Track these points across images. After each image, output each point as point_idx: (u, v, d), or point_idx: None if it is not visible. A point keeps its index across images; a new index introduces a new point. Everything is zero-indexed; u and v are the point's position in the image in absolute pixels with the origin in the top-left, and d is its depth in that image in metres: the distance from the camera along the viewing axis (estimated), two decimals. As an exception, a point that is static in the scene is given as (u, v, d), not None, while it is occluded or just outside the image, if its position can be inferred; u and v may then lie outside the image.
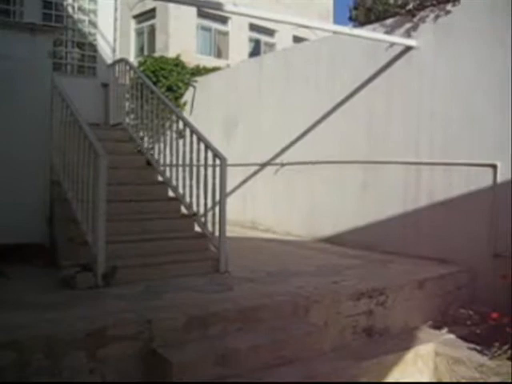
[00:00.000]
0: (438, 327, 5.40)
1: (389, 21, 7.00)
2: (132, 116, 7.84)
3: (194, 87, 11.05)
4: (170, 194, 6.43)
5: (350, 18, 13.86)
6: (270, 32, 16.76)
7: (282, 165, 8.59)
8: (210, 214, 5.69)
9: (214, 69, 11.71)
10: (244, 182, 9.14)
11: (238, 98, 9.76)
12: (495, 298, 5.16)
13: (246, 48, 16.17)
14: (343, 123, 7.57)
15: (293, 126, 8.39)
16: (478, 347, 4.93)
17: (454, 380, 4.86)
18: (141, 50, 15.29)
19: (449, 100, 6.26)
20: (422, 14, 6.51)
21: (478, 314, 5.39)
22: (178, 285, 4.90)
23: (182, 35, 14.26)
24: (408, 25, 6.69)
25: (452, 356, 4.95)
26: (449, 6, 6.22)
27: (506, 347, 4.62)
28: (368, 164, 7.18)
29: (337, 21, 22.09)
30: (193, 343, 3.92)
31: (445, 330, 5.33)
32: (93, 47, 9.11)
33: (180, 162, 6.18)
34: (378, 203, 7.04)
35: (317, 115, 7.92)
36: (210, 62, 13.35)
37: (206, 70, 11.69)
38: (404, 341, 5.07)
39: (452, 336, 5.24)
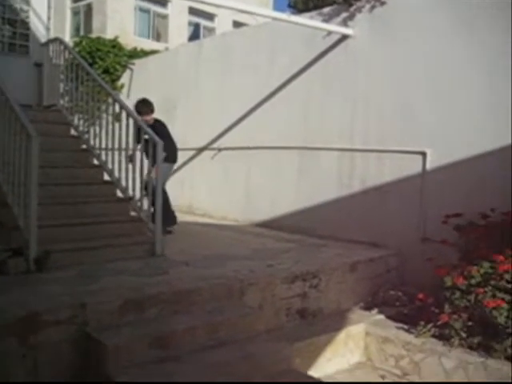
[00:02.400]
0: (368, 308, 5.60)
1: (326, 9, 7.12)
2: (67, 98, 7.65)
3: (132, 70, 10.88)
4: (106, 177, 6.35)
5: (289, 5, 13.93)
6: (209, 16, 16.64)
7: (220, 150, 8.62)
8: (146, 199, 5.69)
9: (153, 52, 11.56)
10: (182, 166, 9.10)
11: (176, 82, 9.68)
12: (422, 279, 5.36)
13: (186, 32, 16.00)
14: (281, 109, 7.67)
15: (231, 111, 8.42)
16: (406, 326, 5.13)
17: (383, 358, 5.07)
18: (77, 30, 14.84)
19: (383, 88, 6.44)
20: (359, 4, 6.66)
21: (406, 295, 5.62)
22: (114, 268, 4.87)
23: (120, 16, 13.95)
24: (345, 14, 6.82)
25: (381, 335, 5.15)
26: (384, -3, 6.40)
27: (430, 325, 4.84)
28: (304, 150, 7.31)
29: (277, 7, 22.19)
30: (128, 326, 3.92)
31: (375, 311, 5.54)
32: (25, 25, 8.80)
33: (116, 146, 6.10)
34: (313, 189, 7.19)
35: (255, 101, 7.98)
36: (148, 44, 13.15)
37: (145, 53, 11.53)
38: (336, 322, 5.24)
39: (382, 316, 5.45)
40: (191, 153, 9.14)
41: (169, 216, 6.52)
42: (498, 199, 5.29)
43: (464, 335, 4.61)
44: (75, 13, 15.06)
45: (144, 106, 6.71)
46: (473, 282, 4.58)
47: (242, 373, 3.78)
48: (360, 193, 6.67)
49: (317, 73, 7.18)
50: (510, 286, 4.44)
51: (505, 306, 4.34)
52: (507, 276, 4.46)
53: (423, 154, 6.05)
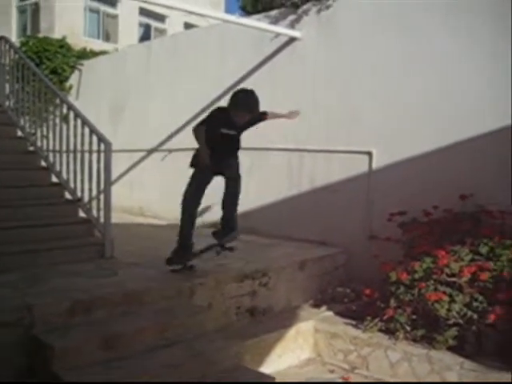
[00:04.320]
0: (317, 305, 5.71)
1: (274, 12, 7.22)
2: (13, 99, 7.50)
3: (80, 71, 10.74)
4: (54, 179, 6.27)
5: (241, 8, 14.03)
6: (160, 17, 16.61)
7: (170, 151, 8.61)
8: (95, 200, 5.63)
9: (102, 52, 11.45)
10: (131, 168, 9.05)
11: (125, 83, 9.62)
12: (369, 276, 5.51)
13: (136, 33, 15.93)
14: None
15: (181, 112, 8.41)
16: (354, 322, 5.27)
17: (332, 353, 5.18)
18: (23, 29, 14.57)
19: (329, 89, 6.58)
20: (305, 7, 6.78)
21: (353, 291, 5.77)
22: (62, 270, 4.82)
23: (68, 16, 13.77)
24: (292, 17, 6.94)
25: (330, 331, 5.26)
26: (330, 1, 6.53)
27: (376, 320, 4.98)
28: (253, 150, 7.37)
29: (229, 9, 22.25)
30: (77, 328, 3.89)
31: (324, 308, 5.65)
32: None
33: (64, 147, 6.03)
34: (263, 189, 7.26)
35: (204, 102, 7.99)
36: (98, 45, 13.05)
37: (94, 54, 11.40)
38: (286, 319, 5.32)
39: (330, 313, 5.56)
40: (140, 154, 9.09)
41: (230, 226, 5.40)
42: (440, 197, 5.48)
43: (408, 328, 4.76)
44: (22, 11, 14.77)
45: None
46: (416, 276, 4.74)
47: (192, 371, 3.82)
48: (309, 192, 6.80)
49: (265, 75, 7.26)
50: (450, 279, 4.62)
51: (446, 298, 4.51)
52: (447, 270, 4.63)
53: (369, 154, 6.21)
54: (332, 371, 5.03)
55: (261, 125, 7.22)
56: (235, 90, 5.37)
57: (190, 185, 5.16)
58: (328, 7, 6.53)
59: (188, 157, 8.18)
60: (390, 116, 6.05)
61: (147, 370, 3.69)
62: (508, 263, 4.62)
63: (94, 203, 5.65)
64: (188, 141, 8.15)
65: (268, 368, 4.74)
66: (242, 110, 4.88)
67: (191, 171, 7.93)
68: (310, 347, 5.32)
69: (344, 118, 6.45)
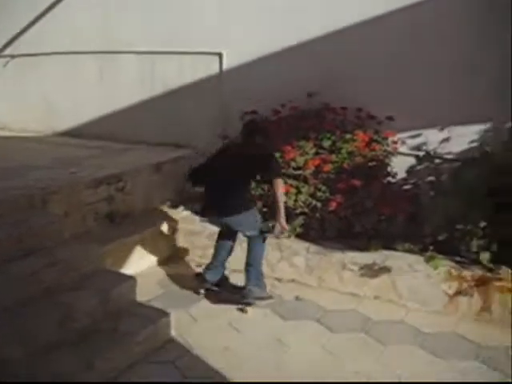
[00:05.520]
0: (175, 206, 5.87)
1: None
2: None
3: None
4: None
5: None
6: None
7: (13, 57, 8.00)
8: None
9: None
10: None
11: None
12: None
13: None
14: (78, 12, 7.21)
15: (19, 15, 7.73)
16: (206, 219, 5.50)
17: (191, 249, 5.43)
18: None
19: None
20: None
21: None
22: None
23: None
24: None
25: (188, 229, 5.50)
26: None
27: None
28: (104, 54, 7.10)
29: None
30: None
31: (182, 208, 5.83)
32: None
33: None
34: (115, 94, 7.08)
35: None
36: None
37: None
38: (145, 221, 5.46)
39: (188, 212, 5.77)
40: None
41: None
42: (289, 96, 5.69)
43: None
44: None
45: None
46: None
47: (52, 278, 3.85)
48: (162, 95, 6.73)
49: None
50: (296, 172, 4.94)
51: (293, 190, 4.85)
52: (293, 164, 4.95)
53: (219, 55, 6.25)
54: (197, 266, 5.28)
55: (114, 26, 6.86)
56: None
57: None
58: None
59: (33, 63, 7.71)
60: (238, 15, 6.06)
61: (4, 281, 3.66)
62: (348, 155, 5.04)
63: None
64: (32, 45, 7.66)
65: (130, 269, 4.88)
66: None
67: (37, 78, 7.21)
68: (170, 246, 5.53)
69: (194, 18, 6.33)
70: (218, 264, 4.79)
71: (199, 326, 4.27)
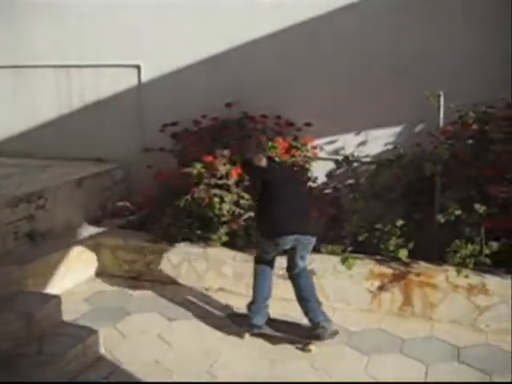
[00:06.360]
0: (99, 222, 5.76)
1: None
2: None
3: None
4: None
5: None
6: None
7: None
8: None
9: None
10: None
11: None
12: (148, 187, 5.68)
13: None
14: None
15: None
16: (137, 233, 5.47)
17: (118, 265, 5.34)
18: None
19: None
20: None
21: (133, 204, 5.92)
22: None
23: None
24: None
25: (113, 244, 5.39)
26: None
27: (156, 228, 5.23)
28: (17, 68, 6.88)
29: None
30: None
31: (106, 223, 5.73)
32: None
33: None
34: (31, 109, 6.88)
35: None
36: None
37: None
38: (68, 239, 5.32)
39: (113, 227, 5.67)
40: None
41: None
42: (209, 106, 5.74)
43: (186, 231, 5.08)
44: None
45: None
46: (189, 182, 5.02)
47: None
48: (80, 109, 6.62)
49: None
50: (220, 182, 4.98)
51: (216, 199, 4.88)
52: (217, 174, 4.98)
53: (138, 67, 6.22)
54: (118, 283, 5.21)
55: (23, 38, 6.58)
56: None
57: None
58: None
59: None
60: (156, 30, 6.06)
61: None
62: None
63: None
64: None
65: (54, 289, 4.76)
66: None
67: None
68: (95, 263, 5.42)
69: (113, 30, 6.26)
70: (263, 302, 4.17)
71: (129, 341, 4.21)
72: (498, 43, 4.83)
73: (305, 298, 4.03)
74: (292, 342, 4.06)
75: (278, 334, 4.12)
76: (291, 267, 4.12)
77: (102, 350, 3.99)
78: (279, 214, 3.93)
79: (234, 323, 4.29)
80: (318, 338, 3.93)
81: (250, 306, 4.18)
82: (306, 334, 4.03)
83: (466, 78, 4.94)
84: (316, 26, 5.42)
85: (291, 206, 3.95)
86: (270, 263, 4.19)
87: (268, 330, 4.14)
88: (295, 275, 4.10)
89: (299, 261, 4.05)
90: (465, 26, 4.99)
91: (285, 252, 4.08)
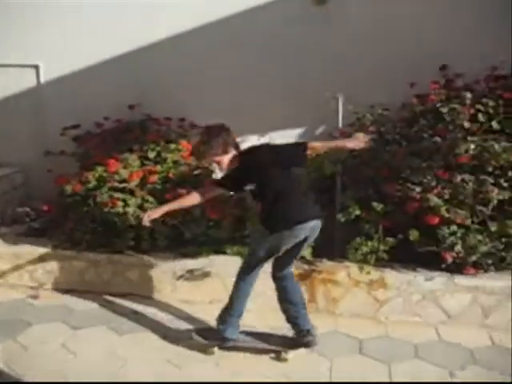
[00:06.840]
0: (-4, 228, 5.52)
1: None
2: None
3: None
4: None
5: None
6: None
7: None
8: None
9: None
10: None
11: None
12: (48, 192, 5.48)
13: None
14: None
15: None
16: (37, 240, 5.25)
17: (18, 274, 5.10)
18: None
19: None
20: None
21: (34, 210, 5.69)
22: None
23: None
24: None
25: (14, 252, 5.14)
26: None
27: (59, 234, 5.07)
28: None
29: None
30: None
31: (4, 230, 5.49)
32: None
33: None
34: None
35: None
36: None
37: None
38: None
39: (12, 235, 5.43)
40: None
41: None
42: (112, 108, 5.63)
43: (89, 238, 4.94)
44: None
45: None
46: (90, 186, 4.91)
47: None
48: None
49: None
50: (122, 185, 4.89)
51: (120, 204, 4.77)
52: (117, 177, 4.89)
53: (36, 68, 6.00)
54: (17, 293, 4.98)
55: None
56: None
57: None
58: None
59: None
60: (55, 29, 5.86)
61: None
62: (173, 165, 5.10)
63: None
64: None
65: None
66: None
67: None
68: (-7, 273, 5.17)
69: (6, 30, 5.98)
70: (237, 317, 3.87)
71: (30, 353, 4.03)
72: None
73: (293, 302, 3.83)
74: (265, 352, 3.95)
75: (251, 344, 3.94)
76: (280, 267, 3.84)
77: (1, 365, 3.82)
78: (288, 202, 3.61)
79: (204, 338, 3.92)
80: (307, 345, 3.82)
81: (222, 318, 3.88)
82: (288, 342, 3.90)
83: (366, 80, 5.14)
84: (223, 28, 5.46)
85: (293, 192, 3.67)
86: (255, 277, 3.83)
87: (241, 342, 3.92)
88: (284, 276, 3.85)
89: (293, 259, 3.83)
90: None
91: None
